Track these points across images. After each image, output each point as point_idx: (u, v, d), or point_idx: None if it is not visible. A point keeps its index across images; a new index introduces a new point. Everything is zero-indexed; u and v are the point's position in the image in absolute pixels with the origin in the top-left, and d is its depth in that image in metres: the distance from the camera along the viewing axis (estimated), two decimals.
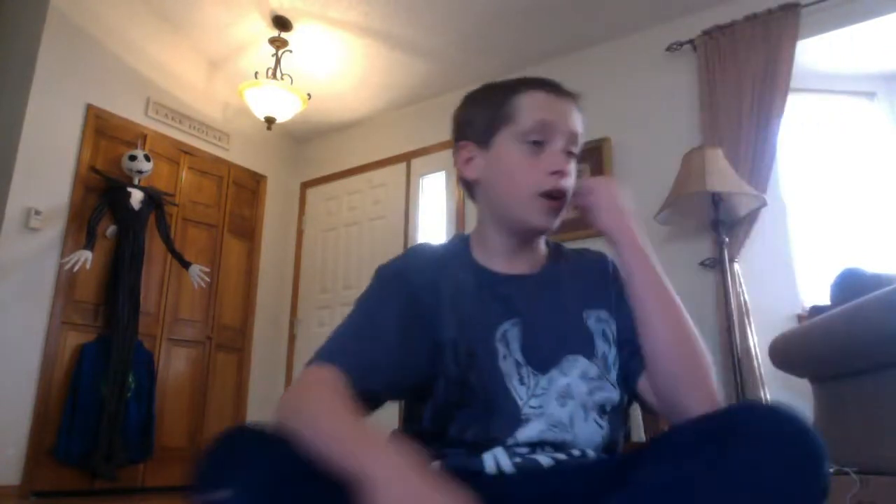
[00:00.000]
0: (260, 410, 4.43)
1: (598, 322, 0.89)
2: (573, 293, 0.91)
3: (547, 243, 0.98)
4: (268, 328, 4.62)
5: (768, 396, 2.73)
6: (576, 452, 0.80)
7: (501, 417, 0.80)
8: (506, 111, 0.88)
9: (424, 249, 0.95)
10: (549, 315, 0.87)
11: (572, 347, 0.85)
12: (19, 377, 3.17)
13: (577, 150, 0.88)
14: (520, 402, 0.81)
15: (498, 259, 0.91)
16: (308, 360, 0.79)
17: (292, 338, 4.67)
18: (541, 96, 0.88)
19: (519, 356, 0.83)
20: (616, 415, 0.85)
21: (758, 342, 2.78)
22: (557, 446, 0.80)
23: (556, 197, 0.85)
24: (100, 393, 3.29)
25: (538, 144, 0.85)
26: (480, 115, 0.91)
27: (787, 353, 2.32)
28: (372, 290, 0.88)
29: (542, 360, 0.84)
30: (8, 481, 3.05)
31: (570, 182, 0.87)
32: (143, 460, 3.47)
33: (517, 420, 0.80)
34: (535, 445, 0.79)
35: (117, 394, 3.29)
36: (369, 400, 0.75)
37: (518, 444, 0.79)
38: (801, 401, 2.58)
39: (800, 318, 2.80)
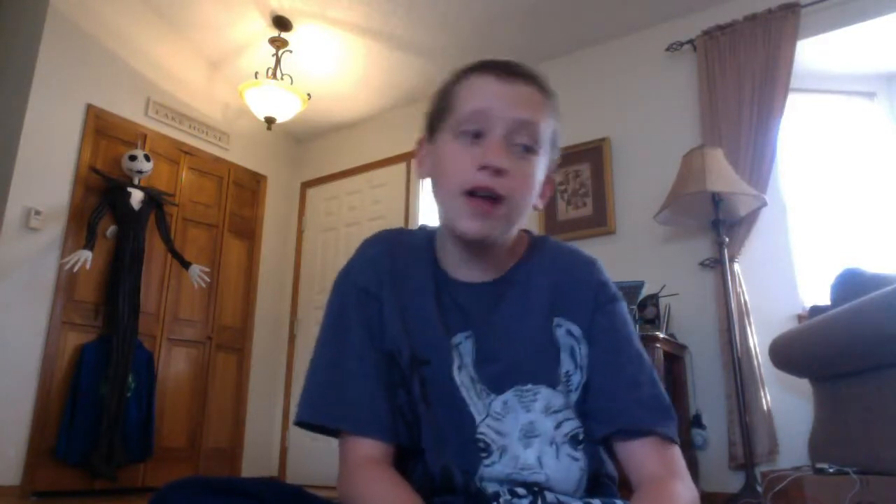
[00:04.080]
0: (260, 410, 4.44)
1: (568, 336, 0.80)
2: (542, 297, 0.81)
3: (529, 234, 0.88)
4: (268, 328, 4.62)
5: (768, 397, 2.73)
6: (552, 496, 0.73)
7: (461, 439, 0.75)
8: (448, 101, 0.79)
9: (373, 249, 0.86)
10: (509, 328, 0.79)
11: (534, 372, 0.77)
12: (19, 377, 3.17)
13: (530, 141, 0.75)
14: (477, 418, 0.76)
15: (455, 264, 0.82)
16: (298, 416, 0.78)
17: (292, 338, 4.67)
18: (481, 81, 0.77)
19: (472, 371, 0.77)
20: (594, 444, 0.78)
21: (758, 342, 2.78)
22: (529, 486, 0.74)
23: (481, 196, 0.73)
24: (100, 393, 3.29)
25: (477, 136, 0.74)
26: (431, 109, 0.83)
27: (787, 353, 2.32)
28: (335, 317, 0.83)
29: (496, 379, 0.77)
30: (8, 481, 3.05)
31: (508, 181, 0.73)
32: (143, 460, 3.47)
33: (475, 445, 0.75)
34: (504, 483, 0.74)
35: (117, 394, 3.29)
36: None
37: (486, 480, 0.74)
38: (802, 401, 2.59)
39: (800, 318, 2.80)
